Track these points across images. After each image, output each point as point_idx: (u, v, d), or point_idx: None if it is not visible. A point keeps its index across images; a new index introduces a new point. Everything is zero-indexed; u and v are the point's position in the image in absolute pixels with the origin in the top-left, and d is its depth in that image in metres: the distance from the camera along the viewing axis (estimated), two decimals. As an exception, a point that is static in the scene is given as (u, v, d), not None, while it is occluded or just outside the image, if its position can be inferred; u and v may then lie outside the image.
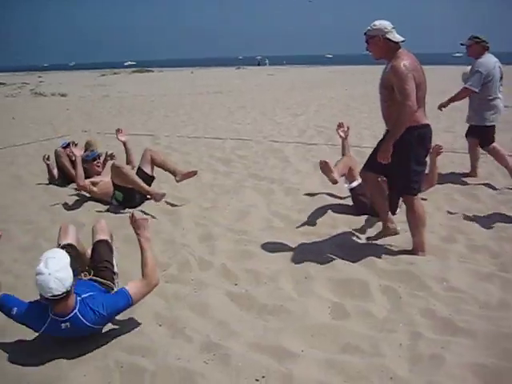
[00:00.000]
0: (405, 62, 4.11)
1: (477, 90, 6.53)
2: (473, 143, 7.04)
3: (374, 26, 4.28)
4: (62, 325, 3.17)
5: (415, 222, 4.52)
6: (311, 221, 5.50)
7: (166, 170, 6.64)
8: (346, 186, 5.82)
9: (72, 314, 3.15)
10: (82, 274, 3.71)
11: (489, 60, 6.63)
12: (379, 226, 5.04)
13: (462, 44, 6.80)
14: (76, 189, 6.82)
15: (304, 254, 4.65)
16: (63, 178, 7.47)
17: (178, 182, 6.51)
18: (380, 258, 4.48)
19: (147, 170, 6.49)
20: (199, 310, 3.71)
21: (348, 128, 6.21)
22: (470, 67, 6.82)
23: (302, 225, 5.41)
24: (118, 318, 3.63)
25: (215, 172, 7.83)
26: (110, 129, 10.93)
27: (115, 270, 3.96)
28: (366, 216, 5.49)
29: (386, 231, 4.81)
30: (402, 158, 4.28)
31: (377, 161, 4.36)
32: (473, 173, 7.11)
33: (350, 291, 3.94)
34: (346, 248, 4.76)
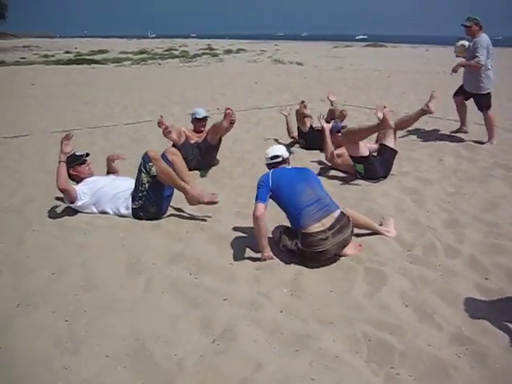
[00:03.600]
0: None
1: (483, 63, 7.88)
2: (459, 101, 8.68)
3: None
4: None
5: None
6: None
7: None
8: None
9: None
10: None
11: (486, 37, 7.97)
12: None
13: (462, 25, 8.04)
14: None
15: None
16: (305, 141, 7.76)
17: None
18: None
19: (391, 144, 6.35)
20: (448, 299, 3.53)
21: None
22: (462, 42, 8.55)
23: None
24: (361, 287, 3.65)
25: (458, 156, 7.40)
26: (348, 101, 10.99)
27: None
28: None
29: None
30: None
31: None
32: (463, 128, 8.73)
33: None
34: None
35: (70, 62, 27.99)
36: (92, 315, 3.36)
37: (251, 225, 4.86)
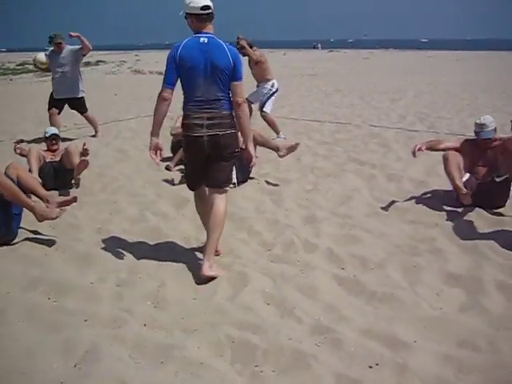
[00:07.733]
0: None
1: None
2: (57, 112, 9.39)
3: None
4: (201, 39, 3.78)
5: None
6: (418, 209, 5.32)
7: (268, 148, 6.60)
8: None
9: (213, 35, 3.84)
10: None
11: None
12: (490, 219, 4.84)
13: (57, 42, 8.91)
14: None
15: (412, 242, 4.53)
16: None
17: (281, 157, 6.49)
18: (495, 252, 4.26)
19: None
20: (307, 292, 3.68)
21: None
22: (41, 53, 9.63)
23: (409, 212, 5.24)
24: (224, 291, 3.69)
25: (315, 154, 7.75)
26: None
27: None
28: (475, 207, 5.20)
29: None
30: None
31: None
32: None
33: (463, 284, 3.76)
34: (455, 239, 4.57)
35: None
36: None
37: (113, 241, 4.76)
